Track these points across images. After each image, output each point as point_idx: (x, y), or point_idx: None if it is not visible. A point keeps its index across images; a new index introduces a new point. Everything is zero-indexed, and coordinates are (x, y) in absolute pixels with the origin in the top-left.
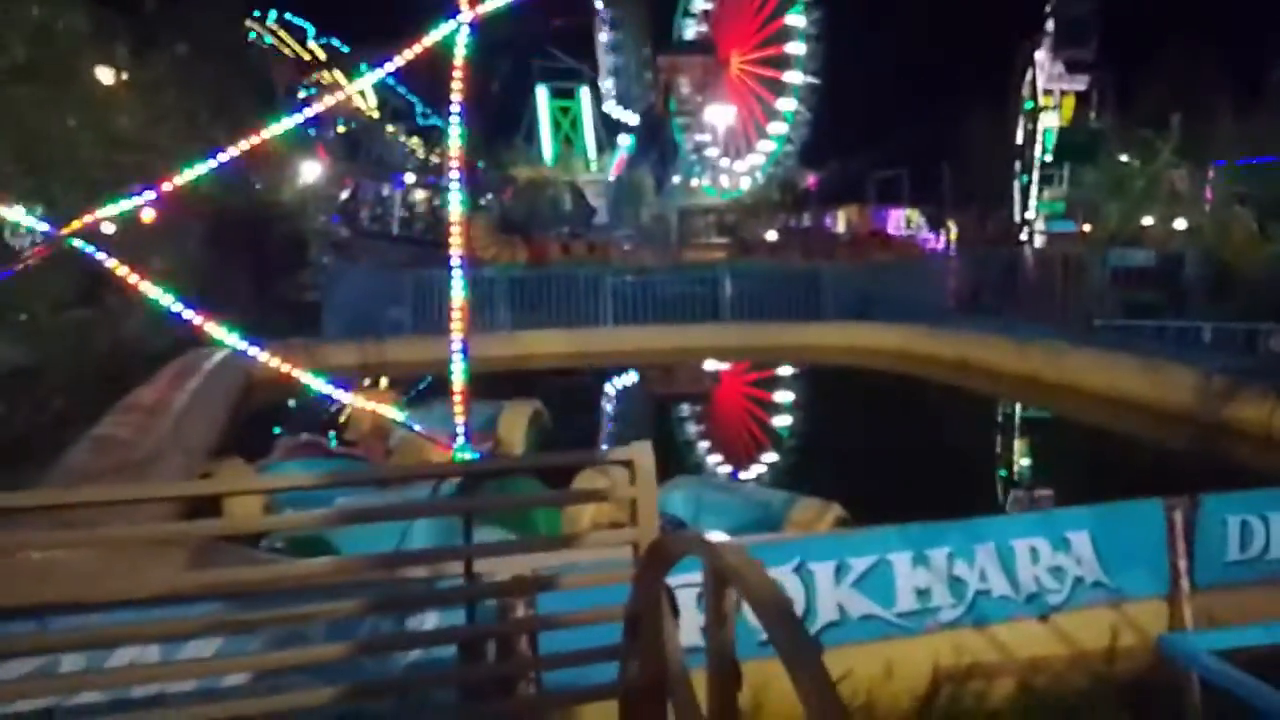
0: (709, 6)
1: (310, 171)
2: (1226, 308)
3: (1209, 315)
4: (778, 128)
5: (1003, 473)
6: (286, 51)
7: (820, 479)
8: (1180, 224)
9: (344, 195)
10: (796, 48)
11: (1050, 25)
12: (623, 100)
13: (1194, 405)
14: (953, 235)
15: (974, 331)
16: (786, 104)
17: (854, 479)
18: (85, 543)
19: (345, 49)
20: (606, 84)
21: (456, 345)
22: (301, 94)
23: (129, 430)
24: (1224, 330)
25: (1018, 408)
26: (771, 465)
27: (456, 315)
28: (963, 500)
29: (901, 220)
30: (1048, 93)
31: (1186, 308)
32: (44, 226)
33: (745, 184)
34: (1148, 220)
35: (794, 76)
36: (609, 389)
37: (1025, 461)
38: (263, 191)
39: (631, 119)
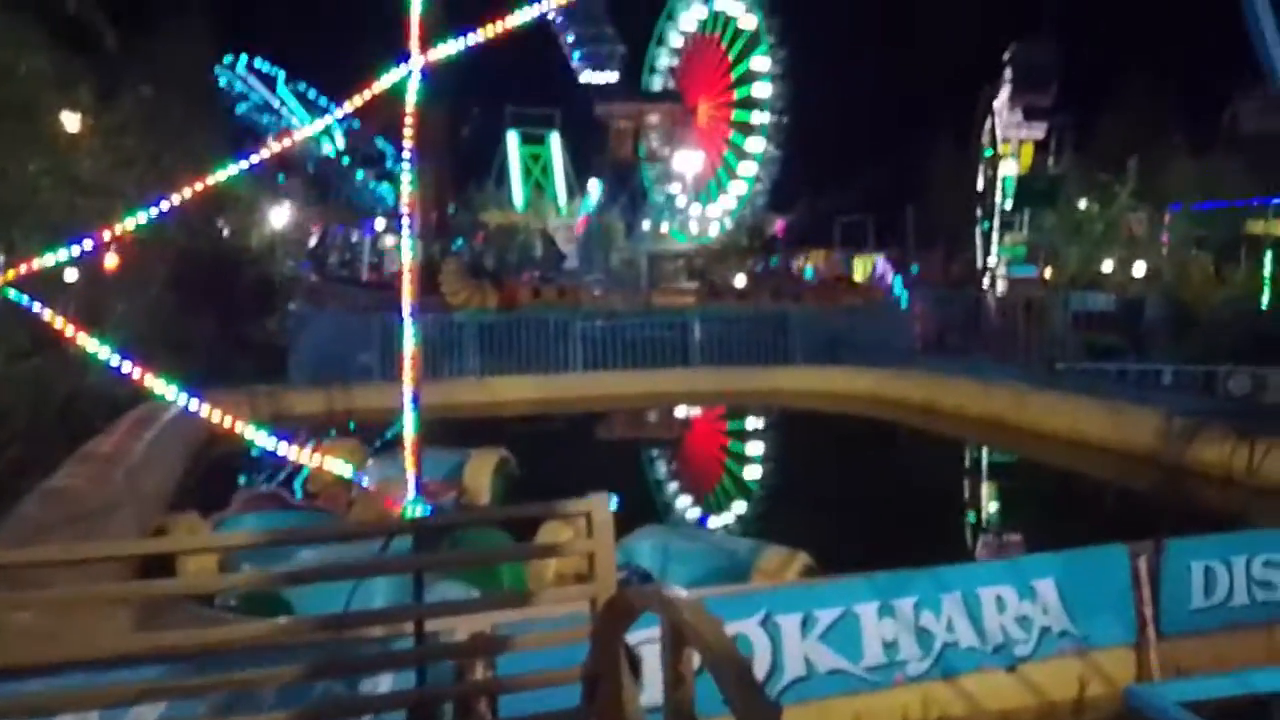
0: (675, 63)
1: (279, 217)
2: (1186, 350)
3: (1169, 358)
4: (748, 168)
5: (971, 517)
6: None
7: (788, 525)
8: (1139, 268)
9: (313, 241)
10: (763, 89)
11: (1009, 72)
12: (595, 64)
13: (1156, 447)
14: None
15: (941, 375)
16: (755, 144)
17: (822, 525)
18: (33, 604)
19: (320, 97)
20: (575, 58)
21: (408, 395)
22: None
23: (83, 481)
24: (1185, 372)
25: (984, 451)
26: (740, 512)
27: (408, 364)
28: (930, 545)
29: (861, 267)
30: (1006, 140)
31: (1147, 350)
32: None
33: (714, 229)
34: (1107, 265)
35: (761, 117)
36: (578, 435)
37: (992, 505)
38: (230, 236)
39: (610, 77)
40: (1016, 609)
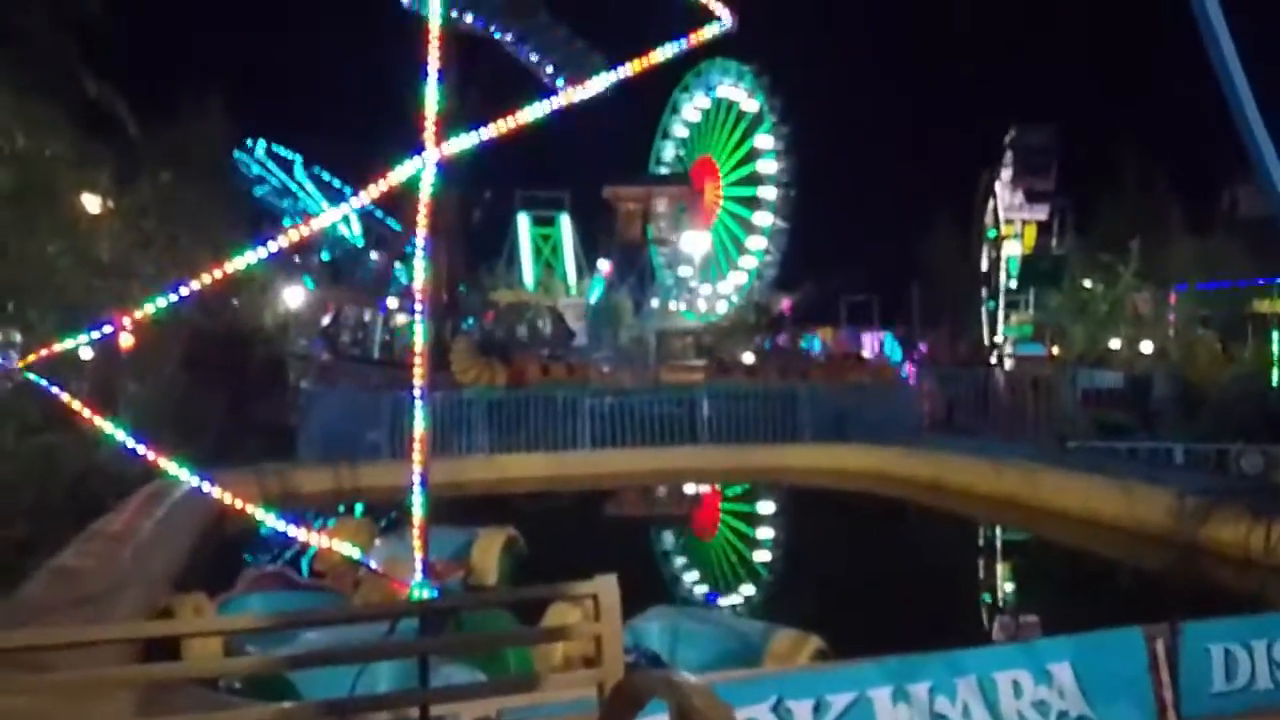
0: (680, 152)
1: (293, 296)
2: (1195, 428)
3: (1179, 436)
4: (756, 242)
5: (984, 597)
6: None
7: (799, 605)
8: (1146, 346)
9: (326, 320)
10: (768, 165)
11: (1009, 155)
12: (581, 81)
13: (1169, 526)
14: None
15: (951, 453)
16: (763, 218)
17: (833, 605)
18: (36, 689)
19: (335, 178)
20: (561, 85)
21: (417, 476)
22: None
23: (90, 560)
24: (1196, 451)
25: (996, 530)
26: (750, 592)
27: (418, 446)
28: (943, 626)
29: (869, 344)
30: (1009, 222)
31: (1156, 428)
32: None
33: (722, 307)
34: (1115, 343)
35: (767, 191)
36: (587, 513)
37: (1005, 586)
38: (243, 315)
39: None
40: (1033, 694)
